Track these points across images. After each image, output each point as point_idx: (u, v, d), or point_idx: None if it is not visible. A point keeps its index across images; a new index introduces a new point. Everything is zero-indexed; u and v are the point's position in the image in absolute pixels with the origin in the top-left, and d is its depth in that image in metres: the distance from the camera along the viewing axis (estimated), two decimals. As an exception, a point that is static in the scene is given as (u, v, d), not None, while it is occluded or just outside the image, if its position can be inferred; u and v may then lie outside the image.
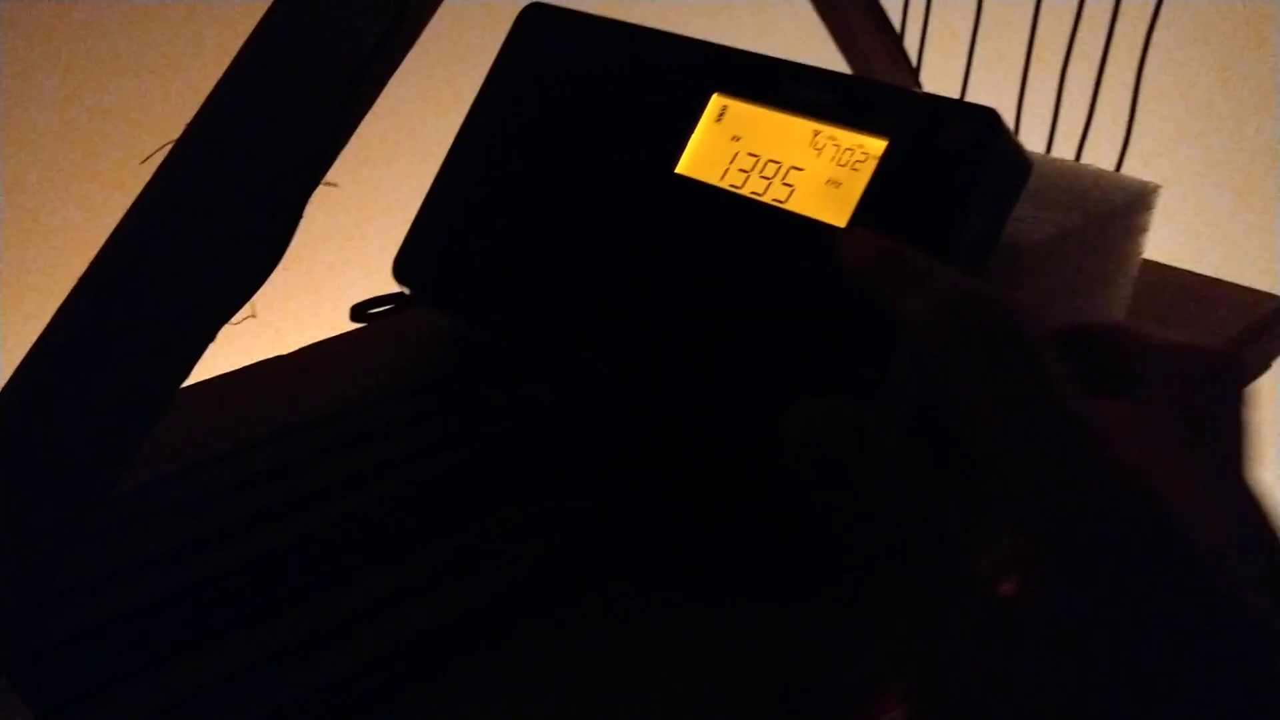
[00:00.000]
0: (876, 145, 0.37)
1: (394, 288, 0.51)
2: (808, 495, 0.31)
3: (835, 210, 0.37)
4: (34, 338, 0.27)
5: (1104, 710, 0.25)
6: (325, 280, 1.07)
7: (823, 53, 0.58)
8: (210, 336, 0.28)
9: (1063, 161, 0.46)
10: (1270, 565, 0.28)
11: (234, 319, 0.29)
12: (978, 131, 0.35)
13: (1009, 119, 0.37)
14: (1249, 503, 0.30)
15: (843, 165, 0.38)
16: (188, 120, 0.26)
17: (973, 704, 0.26)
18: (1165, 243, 0.56)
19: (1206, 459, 0.30)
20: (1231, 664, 0.25)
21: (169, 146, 0.27)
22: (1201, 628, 0.25)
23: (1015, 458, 0.26)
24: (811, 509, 0.32)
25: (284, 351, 0.50)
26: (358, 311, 0.52)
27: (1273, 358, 0.55)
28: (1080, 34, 0.61)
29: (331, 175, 0.30)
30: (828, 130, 0.39)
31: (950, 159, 0.36)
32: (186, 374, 0.28)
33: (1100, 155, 0.55)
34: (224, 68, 0.27)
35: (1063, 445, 0.26)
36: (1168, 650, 0.25)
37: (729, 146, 0.41)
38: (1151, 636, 0.25)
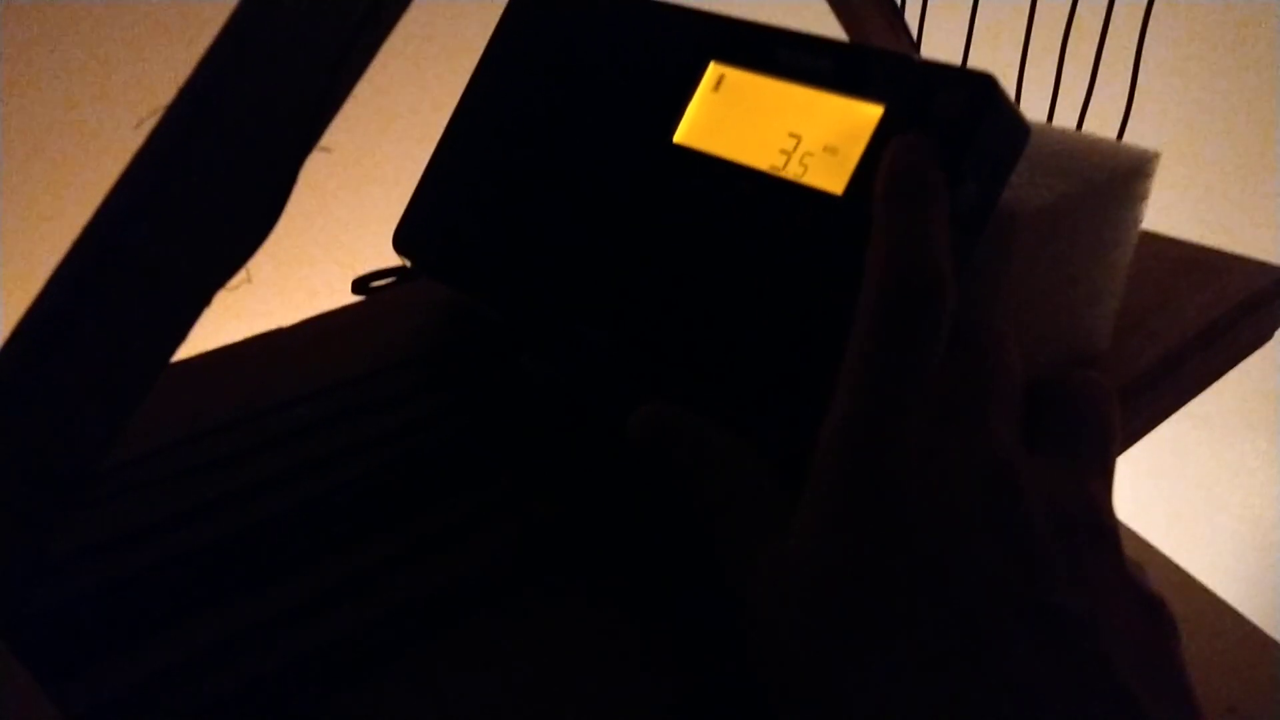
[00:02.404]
0: (873, 112, 0.37)
1: (396, 260, 0.51)
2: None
3: (833, 177, 0.37)
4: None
5: None
6: (327, 254, 1.07)
7: (821, 22, 0.57)
8: (205, 302, 0.28)
9: (1062, 129, 0.46)
10: None
11: (229, 284, 0.29)
12: (975, 97, 0.35)
13: (1010, 89, 0.37)
14: None
15: (840, 132, 0.38)
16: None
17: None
18: (1166, 213, 0.56)
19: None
20: None
21: (163, 112, 0.27)
22: None
23: None
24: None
25: (285, 324, 0.50)
26: (359, 285, 0.52)
27: (1273, 329, 0.55)
28: (1082, 4, 0.60)
29: (334, 149, 0.30)
30: (825, 97, 0.38)
31: (947, 125, 0.35)
32: (181, 339, 0.28)
33: (1102, 125, 0.55)
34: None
35: None
36: None
37: (727, 115, 0.41)
38: None
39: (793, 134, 0.39)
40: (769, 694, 0.29)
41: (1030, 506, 0.29)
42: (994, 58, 0.52)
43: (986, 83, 0.35)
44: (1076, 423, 0.33)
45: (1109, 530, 0.30)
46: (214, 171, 0.26)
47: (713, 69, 0.41)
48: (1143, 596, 0.29)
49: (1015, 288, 0.39)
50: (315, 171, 0.30)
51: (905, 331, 0.30)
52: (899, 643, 0.26)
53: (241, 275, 0.28)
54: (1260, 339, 0.54)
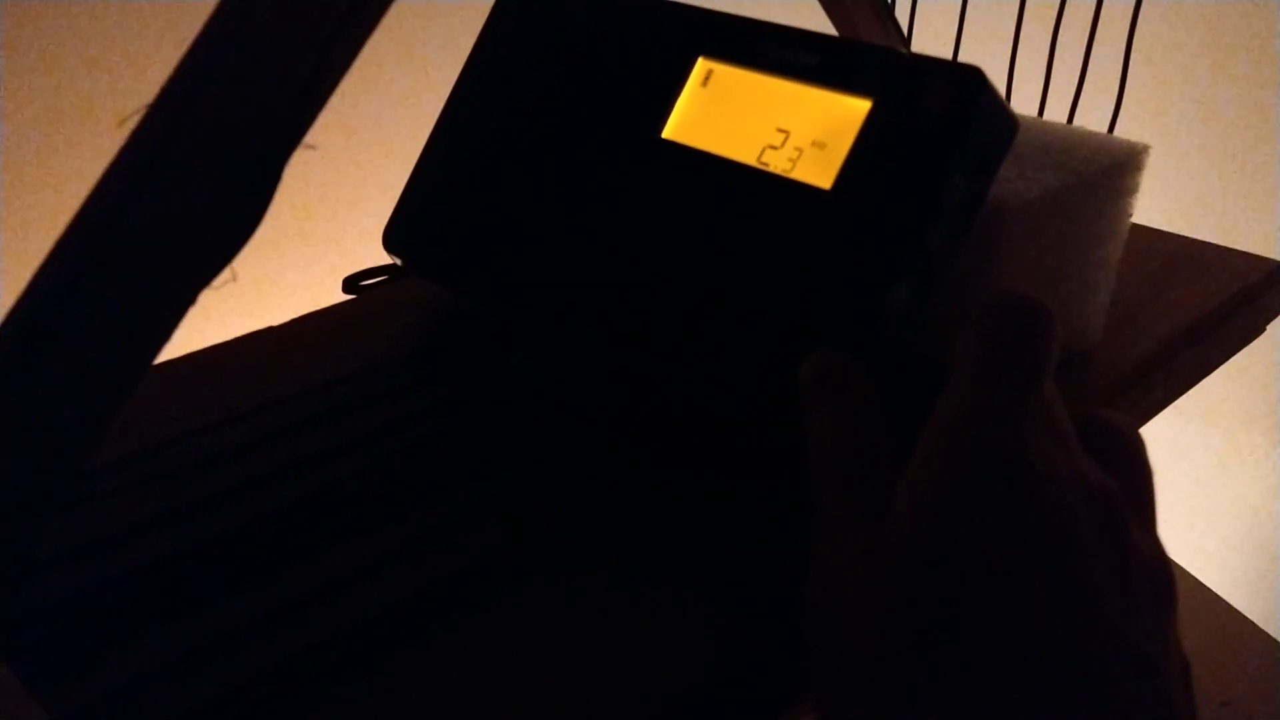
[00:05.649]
0: (861, 106, 0.37)
1: (386, 259, 0.51)
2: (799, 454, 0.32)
3: (821, 172, 0.37)
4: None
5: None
6: (317, 252, 1.07)
7: (809, 17, 0.57)
8: (190, 301, 0.28)
9: (1052, 123, 0.46)
10: None
11: (214, 283, 0.29)
12: (963, 91, 0.35)
13: (1000, 84, 0.37)
14: None
15: (828, 127, 0.38)
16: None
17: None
18: (1157, 207, 0.56)
19: None
20: None
21: (146, 110, 0.27)
22: None
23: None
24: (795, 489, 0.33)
25: (276, 323, 0.50)
26: (349, 283, 0.52)
27: (1265, 322, 0.55)
28: (1071, 2, 0.60)
29: (322, 147, 0.30)
30: (813, 92, 0.38)
31: (935, 119, 0.35)
32: (166, 339, 0.28)
33: (1093, 120, 0.55)
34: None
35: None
36: None
37: (715, 110, 0.41)
38: None
39: (781, 129, 0.39)
40: (817, 669, 0.29)
41: (1128, 539, 0.29)
42: (985, 53, 0.52)
43: (974, 76, 0.35)
44: (1118, 464, 0.32)
45: (1173, 580, 0.30)
46: (197, 169, 0.26)
47: (701, 64, 0.41)
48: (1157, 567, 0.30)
49: (1004, 280, 0.39)
50: (305, 170, 0.30)
51: (1020, 355, 0.30)
52: (988, 638, 0.26)
53: (226, 274, 0.28)
54: (1252, 333, 0.54)
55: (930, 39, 0.66)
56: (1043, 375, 0.30)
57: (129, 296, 0.27)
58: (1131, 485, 0.31)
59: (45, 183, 0.95)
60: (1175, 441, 1.43)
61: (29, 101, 0.93)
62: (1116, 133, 0.57)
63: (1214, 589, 1.10)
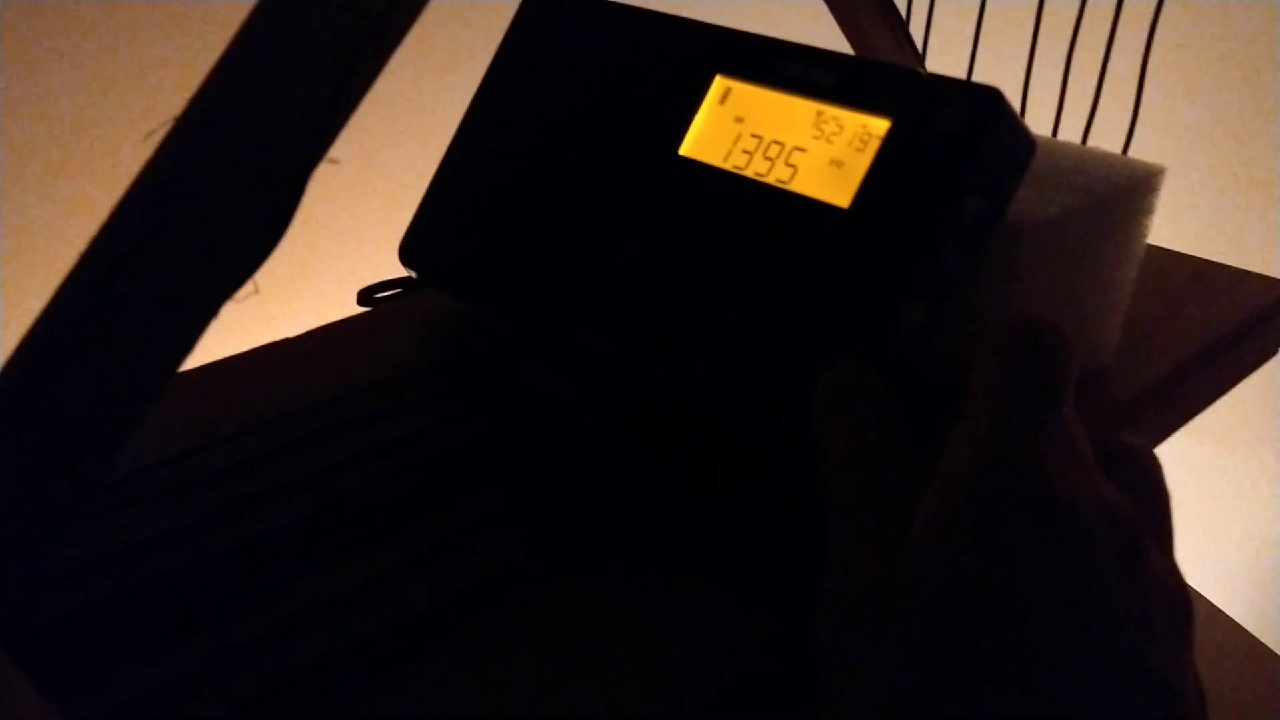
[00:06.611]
0: (880, 125, 0.37)
1: (401, 272, 0.51)
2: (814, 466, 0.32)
3: (839, 191, 0.37)
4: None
5: None
6: (333, 265, 1.07)
7: (826, 35, 0.57)
8: (212, 313, 0.28)
9: (1067, 143, 0.46)
10: None
11: (237, 296, 0.29)
12: (981, 111, 0.35)
13: (1015, 102, 0.37)
14: None
15: (846, 146, 0.38)
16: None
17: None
18: (1172, 227, 0.56)
19: None
20: None
21: (171, 123, 0.27)
22: None
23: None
24: (811, 500, 0.33)
25: (291, 335, 0.50)
26: (365, 296, 0.52)
27: (1278, 344, 0.55)
28: (1086, 17, 0.61)
29: (341, 160, 0.30)
30: (831, 111, 0.38)
31: (953, 139, 0.35)
32: (188, 351, 0.28)
33: (1106, 139, 0.55)
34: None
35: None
36: None
37: (732, 128, 0.41)
38: None
39: (799, 147, 0.39)
40: (831, 672, 0.29)
41: (1147, 564, 0.29)
42: (999, 69, 0.52)
43: (992, 97, 0.35)
44: (1135, 488, 0.32)
45: (1190, 606, 0.30)
46: (222, 183, 0.26)
47: (719, 82, 0.42)
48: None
49: (1020, 300, 0.39)
50: (322, 183, 0.30)
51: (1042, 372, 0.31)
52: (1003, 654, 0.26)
53: (249, 287, 0.28)
54: (1265, 355, 0.54)
55: (945, 52, 0.66)
56: (1061, 398, 0.30)
57: (153, 309, 0.27)
58: (1149, 509, 0.31)
59: (44, 192, 0.96)
60: (1180, 458, 1.43)
61: (28, 106, 0.93)
62: (1131, 149, 0.57)
63: (1221, 608, 1.10)
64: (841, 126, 0.38)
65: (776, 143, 0.39)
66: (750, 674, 0.32)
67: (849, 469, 0.32)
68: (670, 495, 0.38)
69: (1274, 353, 0.54)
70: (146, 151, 0.27)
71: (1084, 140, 0.60)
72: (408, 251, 0.50)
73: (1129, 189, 0.41)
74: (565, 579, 0.35)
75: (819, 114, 0.39)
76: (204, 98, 0.26)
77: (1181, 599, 0.30)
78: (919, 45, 0.64)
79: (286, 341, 0.49)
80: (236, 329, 0.45)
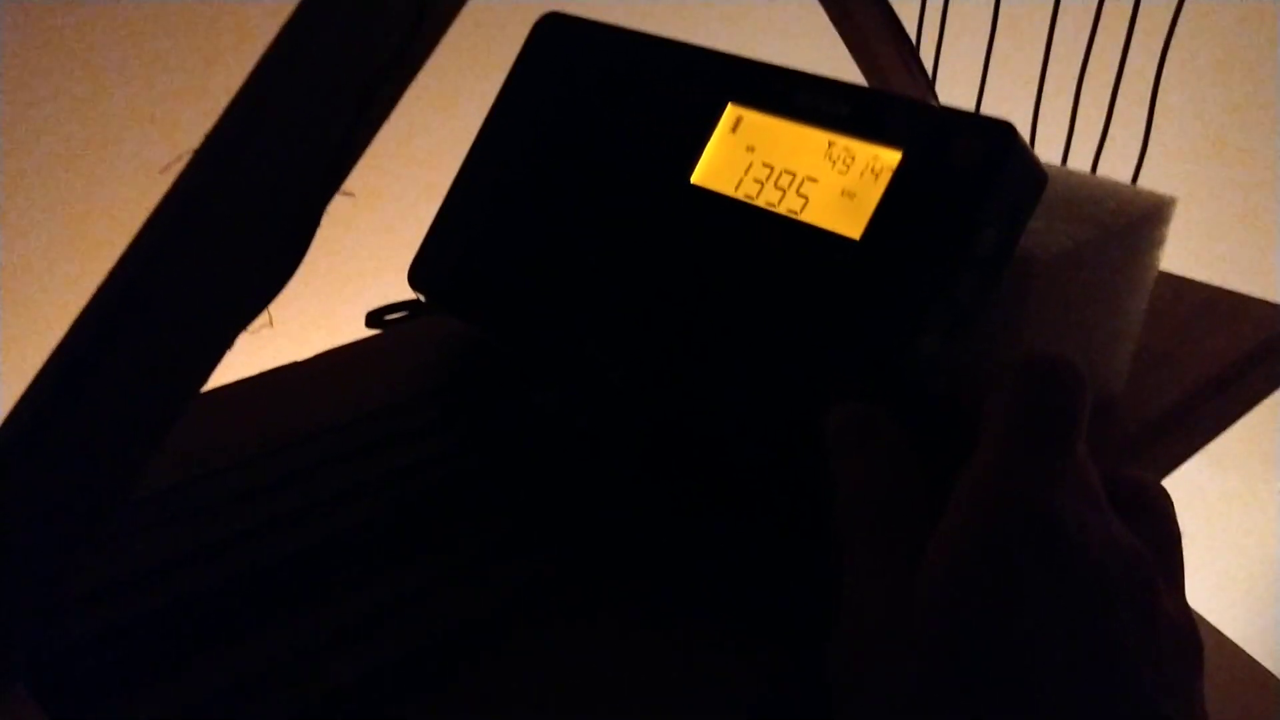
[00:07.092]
0: (892, 157, 0.37)
1: (410, 295, 0.51)
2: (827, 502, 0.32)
3: (850, 222, 0.37)
4: (37, 346, 0.27)
5: None
6: (341, 287, 1.07)
7: (838, 63, 0.58)
8: (227, 344, 0.28)
9: (1079, 174, 0.46)
10: None
11: (250, 327, 0.29)
12: (993, 145, 0.35)
13: (1024, 130, 0.37)
14: None
15: (858, 177, 0.38)
16: (193, 123, 0.26)
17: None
18: (1183, 254, 0.56)
19: None
20: None
21: (188, 156, 0.27)
22: None
23: None
24: (820, 525, 0.33)
25: (300, 358, 0.50)
26: (373, 318, 0.52)
27: (1289, 372, 0.54)
28: (1096, 46, 0.61)
29: (348, 183, 0.30)
30: (843, 141, 0.39)
31: (966, 172, 0.36)
32: (204, 381, 0.28)
33: (1116, 169, 0.55)
34: (233, 70, 0.27)
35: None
36: None
37: (744, 157, 0.41)
38: None
39: (810, 177, 0.39)
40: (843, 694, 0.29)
41: (1158, 604, 0.29)
42: (1009, 96, 0.52)
43: (1005, 131, 0.35)
44: (1146, 525, 0.32)
45: (1200, 644, 0.30)
46: (238, 216, 0.27)
47: (730, 110, 0.42)
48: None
49: (1031, 332, 0.39)
50: (333, 208, 0.30)
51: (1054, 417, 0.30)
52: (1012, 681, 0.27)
53: (263, 318, 0.28)
54: (1275, 382, 0.53)
55: (955, 78, 0.66)
56: (1075, 438, 0.30)
57: (169, 339, 0.27)
58: (1160, 547, 0.31)
59: (45, 203, 0.96)
60: (1181, 480, 1.42)
61: (28, 115, 0.93)
62: (1141, 175, 0.57)
63: (1225, 632, 1.10)
64: (853, 157, 0.38)
65: (788, 172, 0.39)
66: (762, 704, 0.32)
67: (862, 505, 0.32)
68: (680, 522, 0.38)
69: (1283, 381, 0.54)
70: (162, 184, 0.27)
71: (1095, 163, 0.60)
72: (417, 275, 0.50)
73: (1141, 221, 0.41)
74: (573, 609, 0.35)
75: (831, 144, 0.39)
76: (221, 131, 0.27)
77: (1191, 638, 0.30)
78: (929, 70, 0.64)
79: (296, 364, 0.49)
80: (244, 351, 0.45)
